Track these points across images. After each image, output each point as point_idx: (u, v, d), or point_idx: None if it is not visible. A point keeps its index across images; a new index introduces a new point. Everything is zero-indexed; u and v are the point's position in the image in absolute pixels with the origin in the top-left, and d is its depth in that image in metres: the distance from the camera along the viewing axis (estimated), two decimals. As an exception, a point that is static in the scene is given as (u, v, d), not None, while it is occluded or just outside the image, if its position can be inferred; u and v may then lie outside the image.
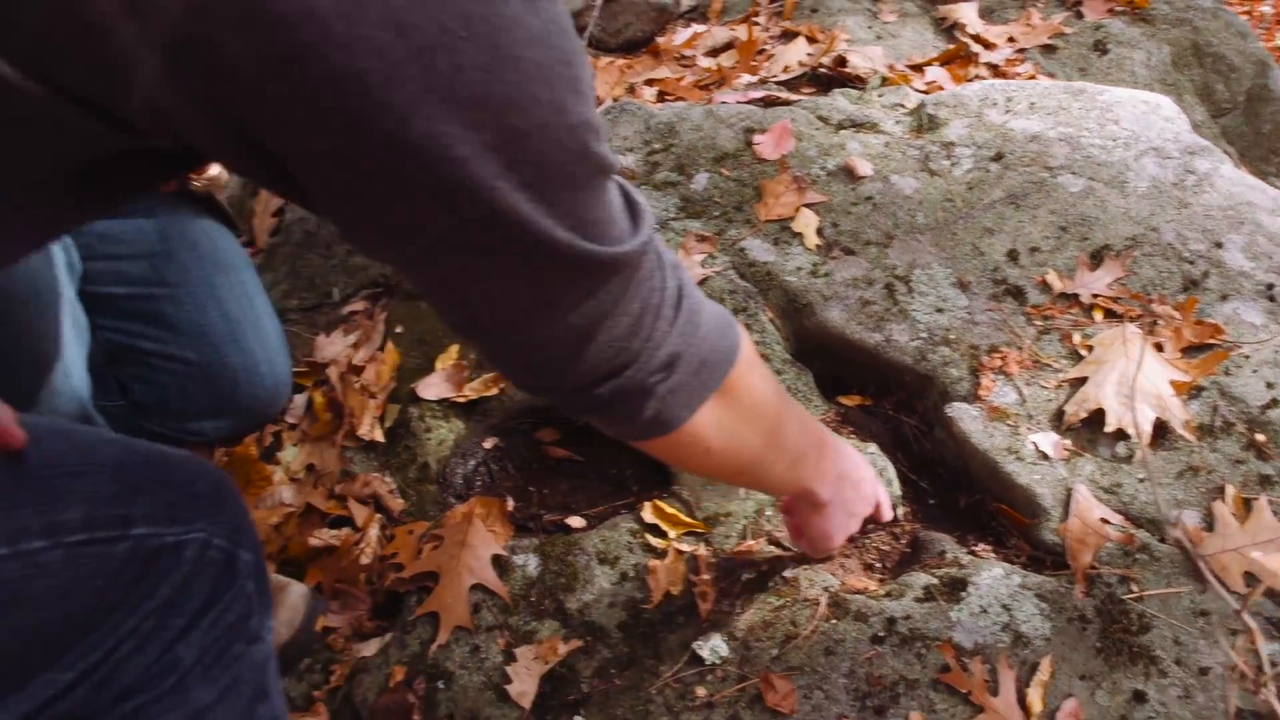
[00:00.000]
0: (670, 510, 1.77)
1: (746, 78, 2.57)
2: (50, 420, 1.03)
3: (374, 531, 1.83)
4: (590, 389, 0.92)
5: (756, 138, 2.26)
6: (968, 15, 2.74)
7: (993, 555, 1.72)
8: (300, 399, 2.08)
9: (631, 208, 0.87)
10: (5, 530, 0.87)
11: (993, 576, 1.64)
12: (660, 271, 0.91)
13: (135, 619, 1.01)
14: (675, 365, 0.95)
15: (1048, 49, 2.67)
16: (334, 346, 2.11)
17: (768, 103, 2.40)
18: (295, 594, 1.72)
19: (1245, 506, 1.70)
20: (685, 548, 1.73)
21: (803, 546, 1.67)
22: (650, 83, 2.61)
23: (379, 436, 1.98)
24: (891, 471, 1.81)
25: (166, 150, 0.75)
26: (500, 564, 1.74)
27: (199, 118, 0.64)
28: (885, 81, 2.46)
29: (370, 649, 1.71)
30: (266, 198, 2.59)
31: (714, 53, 2.74)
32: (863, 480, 1.53)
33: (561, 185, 0.74)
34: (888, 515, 1.67)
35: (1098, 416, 1.78)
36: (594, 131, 0.75)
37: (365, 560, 1.80)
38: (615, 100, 2.54)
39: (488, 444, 2.01)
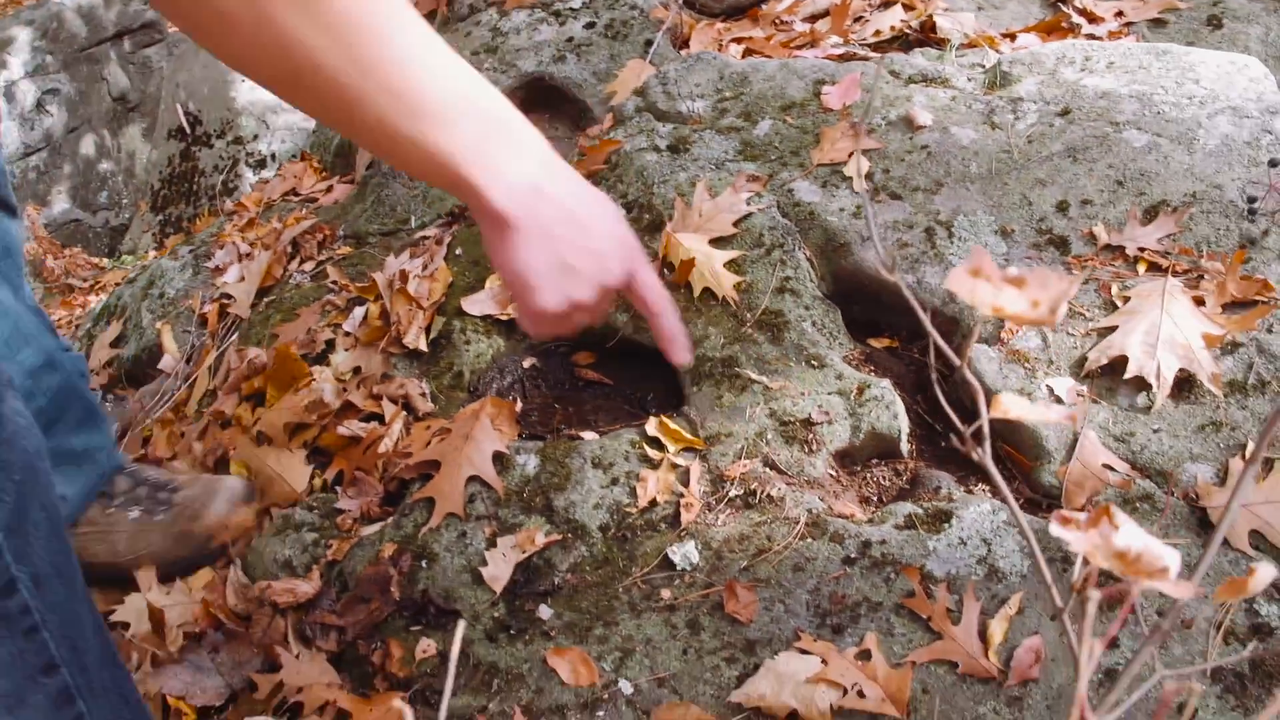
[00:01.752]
0: (673, 427, 1.80)
1: (835, 39, 2.58)
2: None
3: (397, 426, 1.92)
4: None
5: (825, 89, 2.27)
6: (1078, -12, 2.67)
7: (988, 494, 1.69)
8: (359, 310, 2.20)
9: None
10: None
11: (979, 511, 1.61)
12: None
13: None
14: None
15: (1157, 23, 2.57)
16: (395, 265, 2.22)
17: (845, 59, 2.41)
18: (234, 481, 1.95)
19: (1267, 466, 1.62)
20: (680, 461, 1.76)
21: (520, 316, 1.19)
22: (738, 41, 2.64)
23: (422, 346, 2.07)
24: (899, 407, 1.80)
25: None
26: (501, 461, 1.81)
27: None
28: (969, 44, 2.43)
29: (372, 530, 1.80)
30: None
31: (812, 19, 2.75)
32: (601, 231, 1.13)
33: None
34: (659, 305, 1.24)
35: (1120, 364, 1.73)
36: None
37: (382, 450, 1.89)
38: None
39: (526, 363, 2.08)
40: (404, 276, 2.12)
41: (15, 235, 2.13)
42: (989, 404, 0.70)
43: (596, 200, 1.12)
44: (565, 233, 1.08)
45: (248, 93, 5.34)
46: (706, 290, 1.96)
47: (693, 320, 1.94)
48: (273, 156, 5.21)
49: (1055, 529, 0.73)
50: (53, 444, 1.80)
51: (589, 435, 1.88)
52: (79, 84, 6.68)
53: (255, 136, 5.24)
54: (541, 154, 1.07)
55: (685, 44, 2.72)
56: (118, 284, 4.23)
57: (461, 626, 0.53)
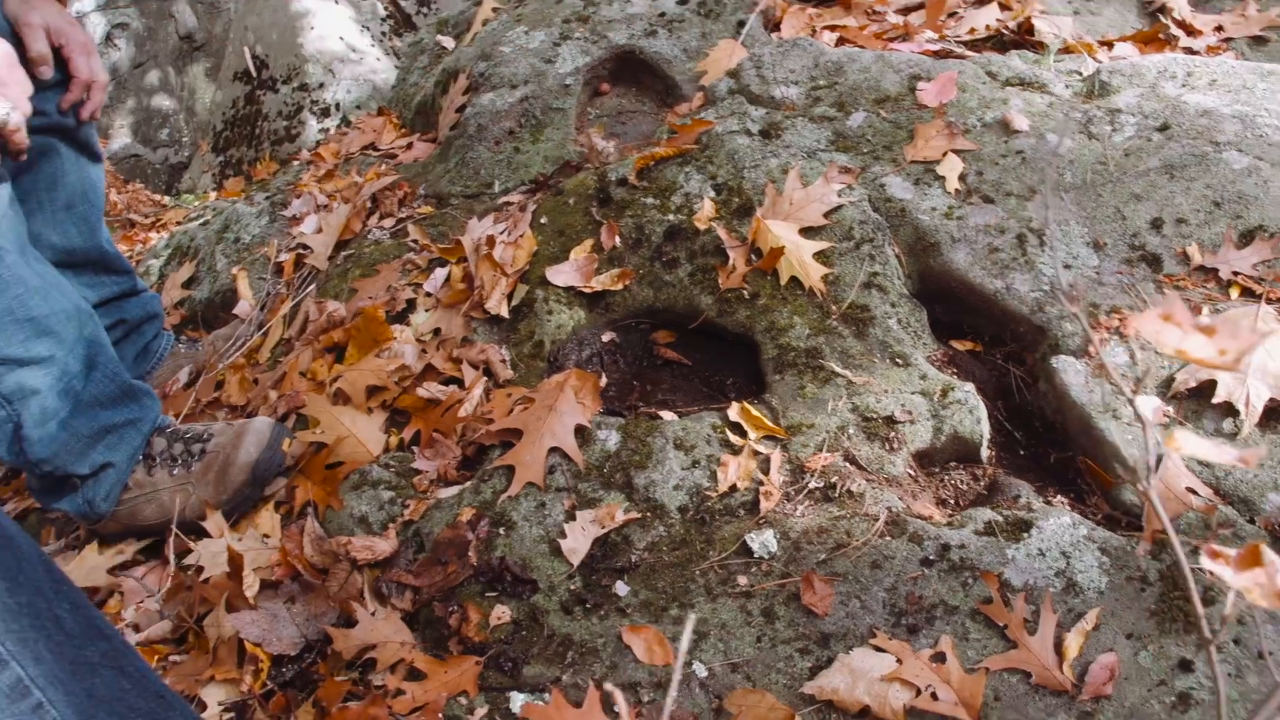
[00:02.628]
0: (755, 414, 1.80)
1: (929, 34, 2.56)
2: None
3: (477, 392, 1.94)
4: None
5: (921, 85, 2.26)
6: (1177, 0, 2.65)
7: (1067, 507, 1.69)
8: (441, 272, 2.21)
9: None
10: None
11: (1059, 524, 1.61)
12: None
13: None
14: None
15: (1258, 40, 2.55)
16: (481, 228, 2.23)
17: (941, 55, 2.39)
18: (261, 422, 1.97)
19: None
20: (761, 449, 1.76)
21: None
22: (832, 28, 2.63)
23: (504, 312, 2.08)
24: (983, 412, 1.80)
25: None
26: (582, 434, 1.82)
27: None
28: (1067, 49, 2.41)
29: (449, 493, 1.82)
30: (453, 95, 2.74)
31: (905, 11, 2.73)
32: None
33: None
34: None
35: (1208, 388, 1.72)
36: None
37: (462, 414, 1.90)
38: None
39: (605, 337, 2.09)
40: (490, 242, 2.13)
41: (95, 179, 2.17)
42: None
43: None
44: None
45: (316, 40, 5.35)
46: (793, 279, 1.96)
47: (778, 308, 1.95)
48: (337, 105, 5.21)
49: (1208, 563, 0.74)
50: (95, 423, 1.88)
51: (668, 415, 1.89)
52: (147, 20, 6.71)
53: (321, 85, 5.25)
54: None
55: (777, 27, 2.71)
56: (179, 222, 4.26)
57: (691, 619, 0.54)
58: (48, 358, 1.79)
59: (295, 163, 3.27)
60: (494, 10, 2.93)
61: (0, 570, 1.12)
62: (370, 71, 5.32)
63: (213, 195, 5.09)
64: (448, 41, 3.10)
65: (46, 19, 1.88)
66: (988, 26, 2.56)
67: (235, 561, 1.74)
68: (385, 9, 5.76)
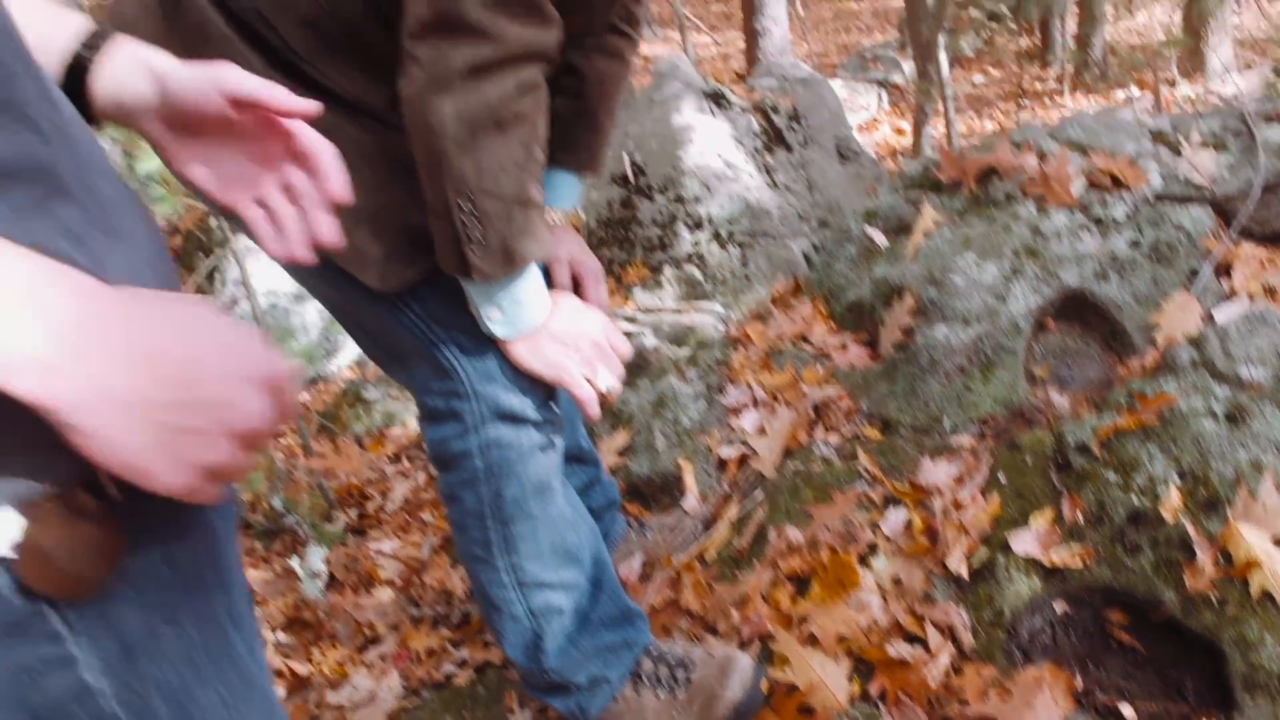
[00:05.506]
0: (1228, 738, 1.86)
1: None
2: None
3: (944, 659, 2.07)
4: None
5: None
6: None
7: None
8: (899, 515, 2.36)
9: None
10: None
11: None
12: None
13: None
14: None
15: None
16: (938, 473, 2.37)
17: None
18: (744, 661, 2.11)
19: None
20: (1235, 778, 1.82)
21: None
22: (1292, 287, 2.64)
23: (964, 573, 2.21)
24: None
25: None
26: (1055, 732, 1.92)
27: None
28: None
29: (922, 766, 1.96)
30: (899, 313, 2.88)
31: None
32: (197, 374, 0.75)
33: None
34: None
35: None
36: None
37: (931, 683, 2.04)
38: (1251, 300, 2.60)
39: (1058, 607, 2.18)
40: (957, 505, 2.26)
41: None
42: None
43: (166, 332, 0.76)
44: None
45: (696, 155, 5.64)
46: (1266, 594, 2.00)
47: (1247, 620, 1.99)
48: (709, 219, 5.48)
49: None
50: (597, 641, 2.10)
51: (1126, 710, 1.97)
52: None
53: (697, 199, 5.53)
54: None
55: (1226, 271, 2.74)
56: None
57: None
58: (573, 583, 2.04)
59: (665, 276, 3.49)
60: (934, 223, 3.06)
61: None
62: (744, 189, 5.59)
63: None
64: (877, 236, 3.25)
65: (570, 251, 2.11)
66: None
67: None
68: (759, 125, 6.01)
